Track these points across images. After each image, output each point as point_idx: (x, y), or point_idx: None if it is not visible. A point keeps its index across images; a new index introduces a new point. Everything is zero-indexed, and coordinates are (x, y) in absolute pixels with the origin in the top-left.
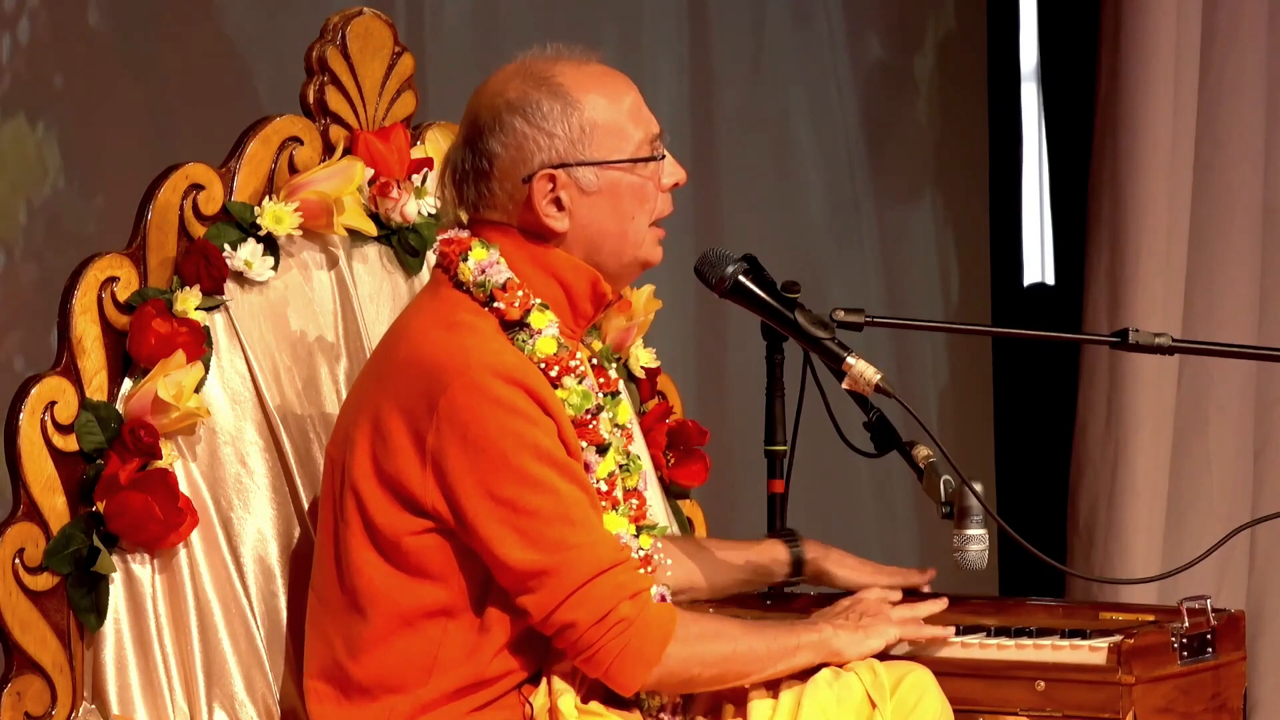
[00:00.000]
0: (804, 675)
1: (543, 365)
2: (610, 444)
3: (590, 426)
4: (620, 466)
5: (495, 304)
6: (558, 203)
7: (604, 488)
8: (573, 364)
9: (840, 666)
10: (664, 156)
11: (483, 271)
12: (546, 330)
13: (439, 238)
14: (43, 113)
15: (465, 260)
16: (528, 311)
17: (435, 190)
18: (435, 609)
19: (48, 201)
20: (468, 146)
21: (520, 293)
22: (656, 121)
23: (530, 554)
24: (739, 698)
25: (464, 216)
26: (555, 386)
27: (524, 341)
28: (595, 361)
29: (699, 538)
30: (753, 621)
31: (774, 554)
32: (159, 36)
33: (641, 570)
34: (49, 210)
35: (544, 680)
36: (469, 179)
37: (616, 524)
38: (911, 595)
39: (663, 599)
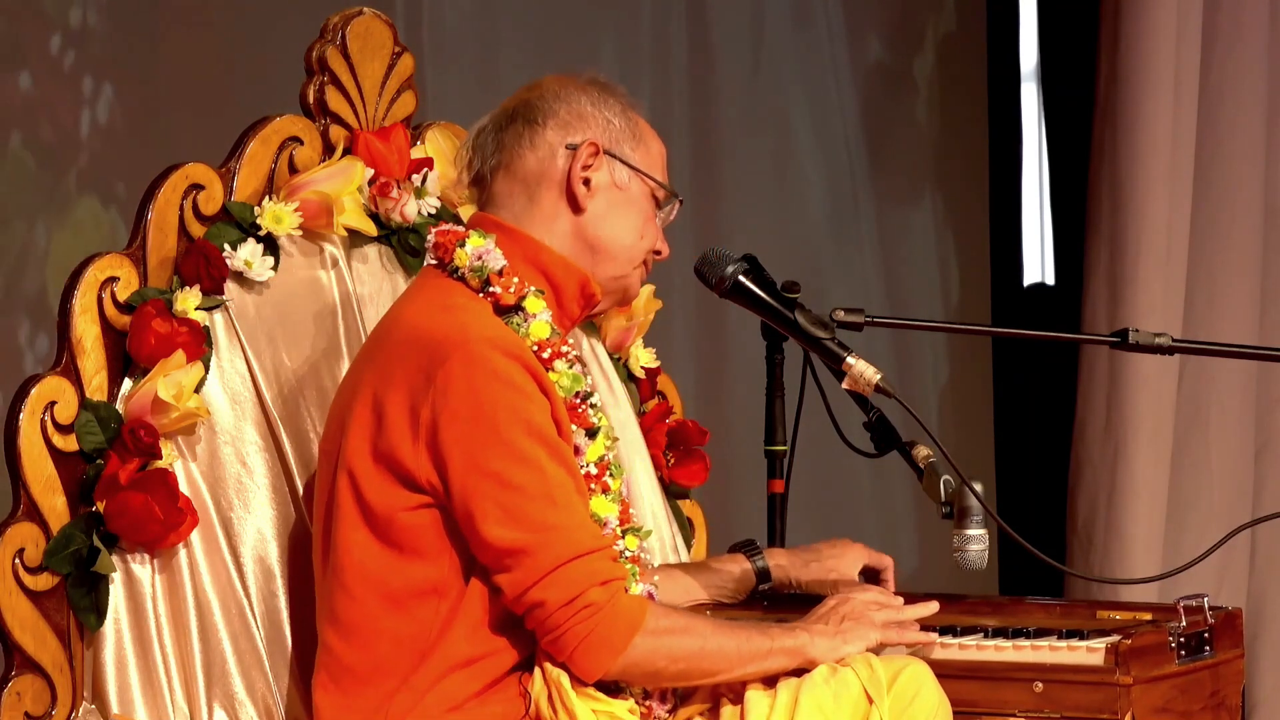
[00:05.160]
0: (800, 670)
1: (535, 348)
2: (599, 428)
3: (580, 411)
4: (608, 450)
5: (491, 289)
6: (587, 182)
7: (594, 471)
8: (564, 349)
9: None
10: (681, 202)
11: (479, 258)
12: (541, 315)
13: (432, 230)
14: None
15: (462, 246)
16: (523, 297)
17: (461, 150)
18: (425, 588)
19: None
20: (521, 103)
21: (515, 279)
22: None
23: (510, 531)
24: (736, 693)
25: (466, 178)
26: (547, 369)
27: (518, 325)
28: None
29: (671, 564)
30: (727, 622)
31: (742, 566)
32: (158, 36)
33: (620, 561)
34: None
35: (538, 667)
36: (513, 123)
37: (605, 509)
38: (907, 597)
39: (650, 597)
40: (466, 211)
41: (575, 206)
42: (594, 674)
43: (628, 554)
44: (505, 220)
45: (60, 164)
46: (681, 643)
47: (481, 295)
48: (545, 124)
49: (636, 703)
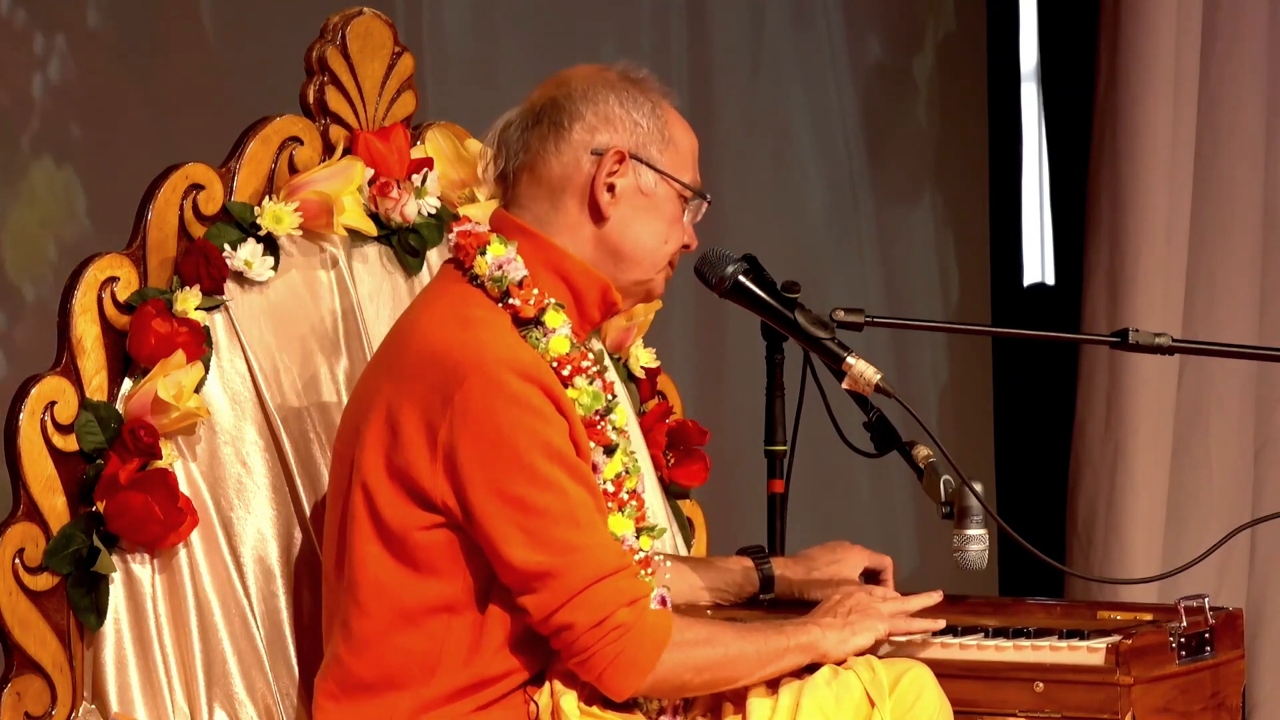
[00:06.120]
0: (802, 674)
1: (555, 364)
2: (618, 445)
3: (599, 427)
4: (625, 468)
5: (510, 300)
6: (611, 188)
7: (611, 489)
8: (584, 364)
9: (839, 663)
10: (709, 202)
11: (500, 268)
12: (560, 329)
13: (455, 229)
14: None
15: (483, 254)
16: (542, 310)
17: (487, 141)
18: (439, 605)
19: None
20: (549, 101)
21: (535, 291)
22: None
23: (535, 554)
24: (738, 697)
25: (491, 173)
26: (566, 386)
27: (537, 339)
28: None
29: (678, 555)
30: (743, 626)
31: (746, 569)
32: (158, 36)
33: (641, 574)
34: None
35: (547, 681)
36: (539, 124)
37: (621, 525)
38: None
39: (663, 601)
40: (466, 210)
41: (598, 215)
42: (624, 693)
43: (641, 554)
44: (528, 224)
45: (13, 128)
46: (705, 653)
47: (500, 306)
48: (571, 127)
49: (648, 719)
